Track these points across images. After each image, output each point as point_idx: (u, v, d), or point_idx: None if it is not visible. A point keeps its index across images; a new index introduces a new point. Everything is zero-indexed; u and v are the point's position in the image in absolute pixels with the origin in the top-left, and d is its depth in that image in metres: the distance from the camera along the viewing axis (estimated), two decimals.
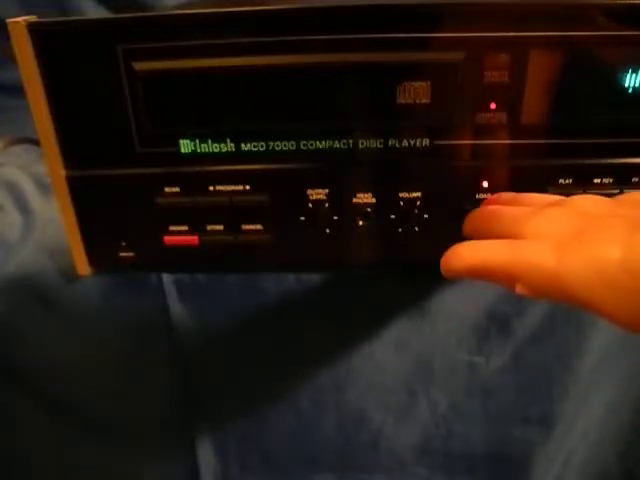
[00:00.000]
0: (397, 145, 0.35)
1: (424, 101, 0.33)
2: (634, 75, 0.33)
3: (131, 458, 0.47)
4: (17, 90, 0.36)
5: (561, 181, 0.36)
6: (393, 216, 0.37)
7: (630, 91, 0.34)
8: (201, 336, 0.42)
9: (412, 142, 0.35)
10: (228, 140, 0.36)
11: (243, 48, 0.33)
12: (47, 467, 0.47)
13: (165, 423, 0.45)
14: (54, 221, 0.42)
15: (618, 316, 0.22)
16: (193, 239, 0.38)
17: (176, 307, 0.41)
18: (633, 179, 0.36)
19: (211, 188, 0.36)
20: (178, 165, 0.36)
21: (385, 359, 0.42)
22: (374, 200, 0.36)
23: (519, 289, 0.25)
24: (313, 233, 0.37)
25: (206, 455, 0.46)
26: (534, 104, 0.34)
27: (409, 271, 0.40)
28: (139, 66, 0.34)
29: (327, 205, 0.37)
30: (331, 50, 0.33)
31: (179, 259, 0.39)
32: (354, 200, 0.36)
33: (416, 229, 0.37)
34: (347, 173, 0.36)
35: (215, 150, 0.36)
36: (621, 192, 0.36)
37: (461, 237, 0.37)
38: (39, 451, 0.47)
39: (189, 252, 0.38)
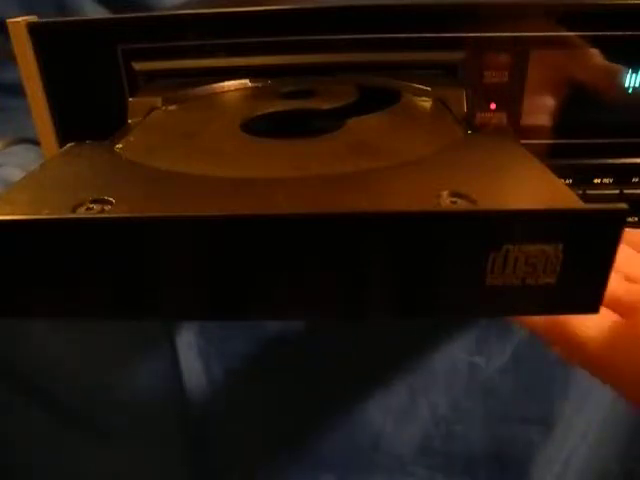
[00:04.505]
0: None
1: None
2: (634, 75, 0.33)
3: (131, 459, 0.47)
4: (17, 90, 0.36)
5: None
6: None
7: (630, 91, 0.34)
8: (201, 337, 0.42)
9: None
10: None
11: (243, 48, 0.33)
12: (47, 467, 0.47)
13: (165, 423, 0.45)
14: None
15: None
16: None
17: None
18: (633, 179, 0.36)
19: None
20: None
21: (385, 359, 0.42)
22: None
23: None
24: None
25: (206, 455, 0.46)
26: (534, 104, 0.34)
27: None
28: (139, 66, 0.34)
29: None
30: (331, 50, 0.33)
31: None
32: None
33: None
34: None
35: None
36: (621, 192, 0.36)
37: None
38: (38, 451, 0.47)
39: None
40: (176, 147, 0.27)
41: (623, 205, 0.18)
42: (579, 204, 0.19)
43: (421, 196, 0.21)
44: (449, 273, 0.19)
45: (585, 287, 0.19)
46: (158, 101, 0.32)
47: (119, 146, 0.27)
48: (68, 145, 0.27)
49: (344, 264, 0.19)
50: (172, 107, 0.32)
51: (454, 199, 0.20)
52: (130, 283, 0.20)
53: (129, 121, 0.32)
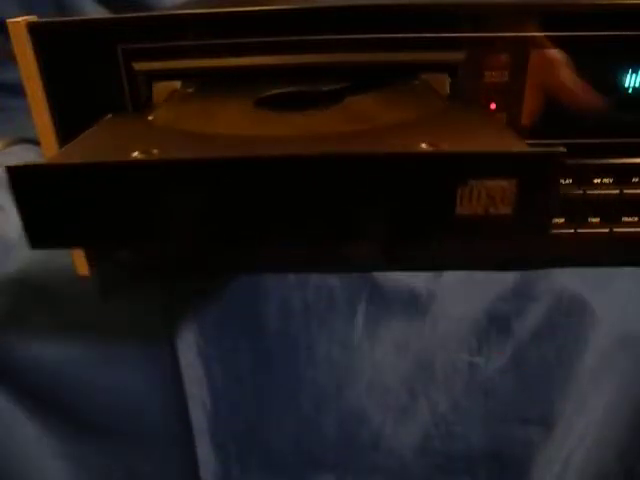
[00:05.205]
0: None
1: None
2: (634, 75, 0.33)
3: (130, 458, 0.47)
4: (17, 90, 0.36)
5: (561, 181, 0.36)
6: None
7: (630, 91, 0.34)
8: (201, 337, 0.42)
9: None
10: None
11: (243, 48, 0.33)
12: (46, 467, 0.47)
13: (165, 423, 0.45)
14: None
15: None
16: None
17: (176, 307, 0.41)
18: (633, 179, 0.36)
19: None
20: None
21: (385, 359, 0.42)
22: None
23: None
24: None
25: (206, 455, 0.46)
26: (534, 104, 0.34)
27: (409, 270, 0.40)
28: (139, 66, 0.34)
29: None
30: (330, 50, 0.33)
31: (178, 259, 0.39)
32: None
33: None
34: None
35: None
36: (621, 192, 0.36)
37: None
38: (38, 451, 0.47)
39: (189, 253, 0.38)
40: (200, 117, 0.32)
41: (561, 149, 0.23)
42: (527, 148, 0.24)
43: (405, 146, 0.25)
44: (427, 204, 0.24)
45: (535, 215, 0.24)
46: (178, 84, 0.36)
47: (150, 117, 0.31)
48: (107, 117, 0.33)
49: (346, 196, 0.24)
50: (190, 89, 0.36)
51: (431, 148, 0.24)
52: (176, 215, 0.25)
53: (154, 101, 0.36)
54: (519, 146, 0.25)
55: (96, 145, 0.28)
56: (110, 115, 0.33)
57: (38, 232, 0.25)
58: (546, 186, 0.24)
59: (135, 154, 0.25)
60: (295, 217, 0.25)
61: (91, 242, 0.27)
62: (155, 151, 0.25)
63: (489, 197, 0.23)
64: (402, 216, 0.25)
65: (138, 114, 0.33)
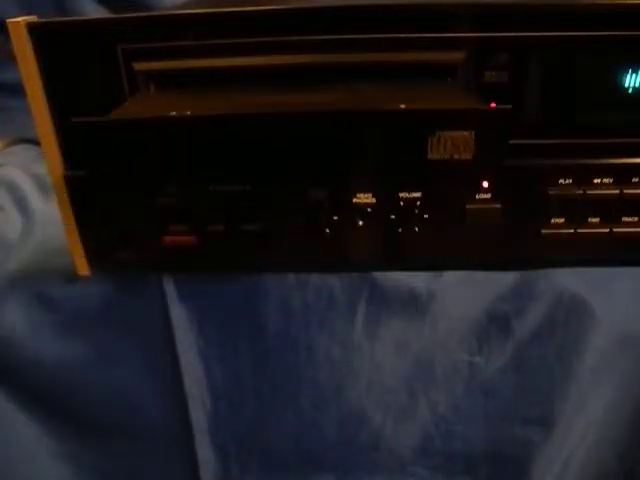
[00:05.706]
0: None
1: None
2: (634, 75, 0.33)
3: (130, 458, 0.47)
4: (17, 90, 0.36)
5: (561, 181, 0.36)
6: (393, 216, 0.37)
7: (630, 91, 0.34)
8: (201, 337, 0.42)
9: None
10: None
11: (243, 48, 0.33)
12: (46, 467, 0.47)
13: (165, 423, 0.45)
14: (54, 221, 0.42)
15: None
16: (192, 239, 0.38)
17: (176, 307, 0.41)
18: (633, 179, 0.36)
19: (211, 188, 0.36)
20: None
21: (385, 359, 0.42)
22: (374, 200, 0.36)
23: None
24: (313, 233, 0.37)
25: (206, 455, 0.46)
26: (534, 104, 0.34)
27: (409, 270, 0.40)
28: (139, 66, 0.34)
29: (327, 205, 0.37)
30: (331, 50, 0.33)
31: (178, 259, 0.39)
32: (354, 200, 0.36)
33: (416, 229, 0.37)
34: (347, 173, 0.36)
35: None
36: (621, 192, 0.36)
37: (461, 236, 0.38)
38: (38, 452, 0.47)
39: (188, 252, 0.38)
40: (219, 91, 0.35)
41: (509, 106, 0.30)
42: (481, 105, 0.31)
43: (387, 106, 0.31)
44: (405, 151, 0.31)
45: (491, 159, 0.32)
46: None
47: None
48: (137, 95, 0.36)
49: (341, 146, 0.32)
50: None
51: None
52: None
53: None
54: (477, 104, 0.31)
55: (138, 109, 0.34)
56: (138, 94, 0.36)
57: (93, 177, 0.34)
58: (498, 136, 0.31)
59: (173, 113, 0.30)
60: (297, 164, 0.33)
61: (132, 187, 0.35)
62: (188, 112, 0.31)
63: (454, 145, 0.30)
64: (386, 162, 0.33)
65: (162, 90, 0.37)
